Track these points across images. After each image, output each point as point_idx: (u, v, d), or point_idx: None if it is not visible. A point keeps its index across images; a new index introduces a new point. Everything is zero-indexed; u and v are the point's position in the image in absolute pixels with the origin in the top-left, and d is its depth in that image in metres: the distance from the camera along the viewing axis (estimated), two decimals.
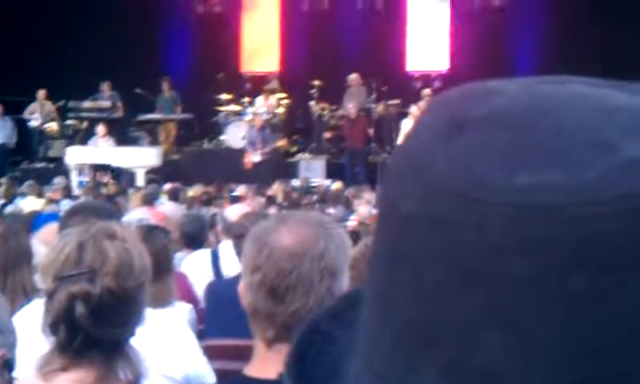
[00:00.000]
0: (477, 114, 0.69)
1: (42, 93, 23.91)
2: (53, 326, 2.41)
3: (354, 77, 22.96)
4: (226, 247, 6.72)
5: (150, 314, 2.91)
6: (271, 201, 14.24)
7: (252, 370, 2.30)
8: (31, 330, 2.48)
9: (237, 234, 5.55)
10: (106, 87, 23.62)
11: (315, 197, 15.71)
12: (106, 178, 20.58)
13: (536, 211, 0.61)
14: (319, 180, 20.59)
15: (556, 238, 0.60)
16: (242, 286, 2.33)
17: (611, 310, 0.59)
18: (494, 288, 0.60)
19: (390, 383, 0.65)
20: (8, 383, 2.09)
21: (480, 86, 0.74)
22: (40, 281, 2.58)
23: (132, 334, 2.50)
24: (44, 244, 4.90)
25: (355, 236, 6.80)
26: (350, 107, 22.08)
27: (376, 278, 0.68)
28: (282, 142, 22.87)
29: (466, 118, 0.69)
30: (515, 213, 0.61)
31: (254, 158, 21.65)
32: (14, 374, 2.38)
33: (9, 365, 2.10)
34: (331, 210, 11.97)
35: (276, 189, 16.75)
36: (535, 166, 0.63)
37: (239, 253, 5.37)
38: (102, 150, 21.43)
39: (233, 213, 7.60)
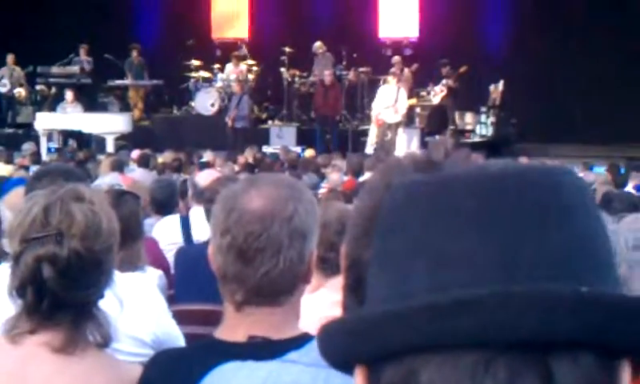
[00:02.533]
0: None
1: (10, 58, 23.74)
2: (20, 289, 2.40)
3: (318, 44, 23.01)
4: (197, 213, 6.70)
5: (120, 277, 2.90)
6: (248, 167, 14.23)
7: (221, 333, 2.29)
8: None
9: (208, 198, 5.53)
10: (83, 52, 23.46)
11: (286, 164, 15.69)
12: (75, 144, 20.48)
13: None
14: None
15: None
16: (211, 249, 2.32)
17: None
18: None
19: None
20: None
21: None
22: (7, 244, 2.55)
23: (100, 297, 2.49)
24: (10, 209, 4.88)
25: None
26: (327, 74, 22.03)
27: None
28: (252, 109, 22.85)
29: None
30: None
31: (228, 122, 21.68)
32: None
33: None
34: (303, 177, 11.95)
35: (247, 155, 16.74)
36: None
37: (210, 217, 5.37)
38: (71, 115, 21.30)
39: (203, 178, 7.55)
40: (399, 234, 0.89)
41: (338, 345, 0.89)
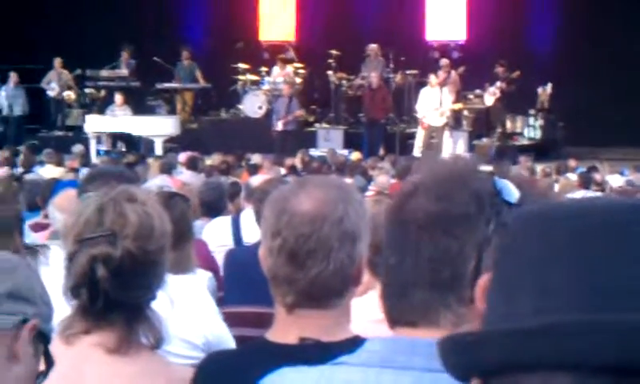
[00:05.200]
0: None
1: (58, 61, 23.93)
2: (74, 289, 2.42)
3: (373, 46, 22.91)
4: (248, 215, 6.73)
5: (171, 280, 2.92)
6: (293, 170, 14.25)
7: (273, 335, 2.30)
8: None
9: (258, 199, 5.55)
10: (125, 55, 23.60)
11: (334, 166, 15.70)
12: (124, 147, 20.64)
13: None
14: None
15: None
16: (262, 251, 2.32)
17: None
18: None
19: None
20: (42, 355, 2.10)
21: None
22: (61, 245, 2.58)
23: (153, 298, 2.50)
24: (59, 210, 4.94)
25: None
26: (373, 76, 22.01)
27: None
28: (299, 112, 22.87)
29: None
30: None
31: (277, 126, 21.68)
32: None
33: (43, 336, 2.10)
34: (350, 180, 11.95)
35: (296, 158, 16.76)
36: None
37: (260, 219, 5.38)
38: (120, 118, 21.45)
39: (256, 181, 7.60)
40: (511, 258, 0.96)
41: (449, 357, 0.95)
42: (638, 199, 0.98)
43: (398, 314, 1.68)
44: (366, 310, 3.46)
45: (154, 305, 2.52)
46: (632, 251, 0.89)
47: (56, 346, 2.25)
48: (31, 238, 5.40)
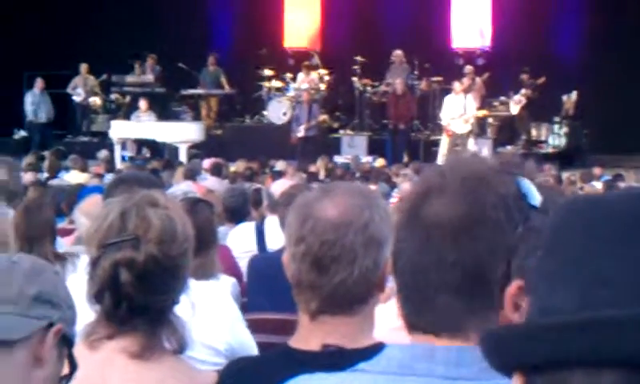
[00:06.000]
0: None
1: (84, 67, 24.03)
2: (98, 294, 2.42)
3: (398, 53, 22.90)
4: (272, 222, 6.73)
5: (195, 285, 2.92)
6: (313, 177, 14.26)
7: (296, 341, 2.29)
8: None
9: (283, 204, 5.55)
10: (150, 61, 23.67)
11: (358, 173, 15.70)
12: (149, 153, 20.71)
13: None
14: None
15: None
16: (285, 258, 2.32)
17: None
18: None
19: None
20: (66, 359, 2.11)
21: None
22: (85, 250, 2.59)
23: (176, 302, 2.51)
24: (85, 216, 4.96)
25: None
26: (398, 83, 22.01)
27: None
28: (324, 118, 22.85)
29: None
30: None
31: (298, 132, 21.69)
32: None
33: (68, 340, 2.11)
34: (374, 187, 11.95)
35: (319, 165, 16.76)
36: None
37: (284, 224, 5.38)
38: (145, 124, 21.52)
39: (278, 188, 7.60)
40: (556, 253, 0.93)
41: (493, 351, 0.93)
42: None
43: (416, 319, 1.65)
44: (388, 317, 3.45)
45: (177, 310, 2.52)
46: None
47: (80, 351, 2.25)
48: (57, 243, 5.44)
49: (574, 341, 0.84)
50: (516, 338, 0.90)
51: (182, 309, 2.55)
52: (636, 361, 0.81)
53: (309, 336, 2.26)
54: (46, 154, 18.76)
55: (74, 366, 2.10)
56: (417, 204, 1.65)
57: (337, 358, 2.04)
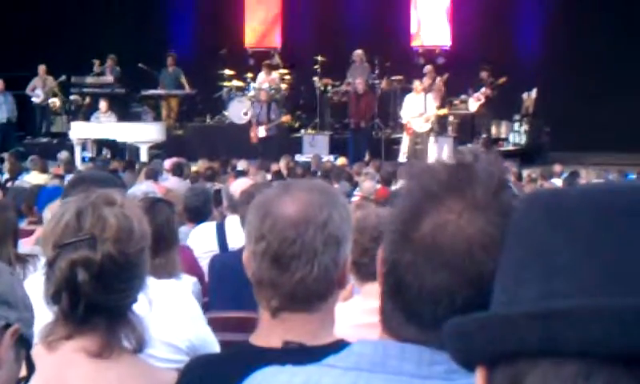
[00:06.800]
0: None
1: (42, 68, 23.88)
2: (55, 295, 2.41)
3: (358, 52, 22.94)
4: (232, 221, 6.72)
5: (156, 284, 2.90)
6: (278, 176, 14.25)
7: (257, 339, 2.29)
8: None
9: (243, 204, 5.54)
10: (110, 62, 23.56)
11: (319, 172, 15.70)
12: (109, 154, 20.62)
13: None
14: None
15: None
16: (245, 256, 2.31)
17: None
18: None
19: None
20: (24, 360, 2.09)
21: None
22: (41, 251, 2.57)
23: (134, 300, 2.50)
24: None
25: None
26: (358, 82, 22.06)
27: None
28: (285, 118, 22.84)
29: None
30: None
31: (259, 132, 21.67)
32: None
33: (25, 342, 2.09)
34: (335, 186, 11.95)
35: (281, 164, 16.77)
36: None
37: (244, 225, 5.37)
38: (105, 125, 21.43)
39: (236, 187, 7.57)
40: (518, 243, 0.93)
41: (453, 343, 0.93)
42: None
43: (404, 330, 1.60)
44: (348, 315, 3.46)
45: (135, 308, 2.51)
46: None
47: (38, 353, 2.24)
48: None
49: (532, 331, 0.84)
50: (478, 329, 0.89)
51: (140, 307, 2.54)
52: (595, 351, 0.81)
53: (270, 333, 2.26)
54: (5, 155, 18.65)
55: (31, 368, 2.08)
56: (415, 216, 1.57)
57: (298, 355, 2.04)
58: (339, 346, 1.94)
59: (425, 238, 1.55)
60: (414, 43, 26.01)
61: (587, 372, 0.82)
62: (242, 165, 16.23)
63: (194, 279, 4.86)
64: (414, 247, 1.56)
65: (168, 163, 15.46)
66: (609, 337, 0.81)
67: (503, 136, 23.70)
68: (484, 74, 22.33)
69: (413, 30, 26.14)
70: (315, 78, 23.36)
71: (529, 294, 0.88)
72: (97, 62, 23.52)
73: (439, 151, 21.01)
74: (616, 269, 0.84)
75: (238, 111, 22.94)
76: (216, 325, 3.94)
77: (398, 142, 21.89)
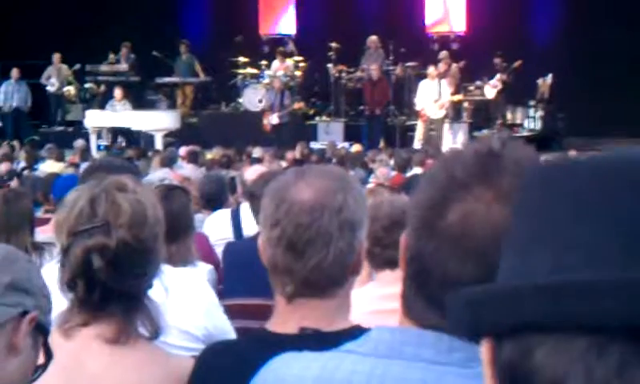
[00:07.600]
0: None
1: (56, 56, 23.91)
2: (70, 282, 2.41)
3: (373, 38, 22.89)
4: (247, 208, 6.71)
5: (171, 272, 2.90)
6: (297, 163, 14.23)
7: (273, 325, 2.29)
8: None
9: (253, 193, 5.53)
10: (124, 50, 23.59)
11: (334, 159, 15.70)
12: (124, 142, 20.66)
13: None
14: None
15: None
16: (261, 242, 2.31)
17: None
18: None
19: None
20: (42, 347, 2.10)
21: None
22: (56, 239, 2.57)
23: (150, 286, 2.50)
24: None
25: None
26: (373, 69, 22.01)
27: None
28: (299, 105, 22.83)
29: None
30: None
31: (272, 120, 21.67)
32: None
33: (43, 329, 2.10)
34: (350, 173, 11.95)
35: (297, 151, 16.76)
36: None
37: (255, 212, 5.37)
38: (120, 113, 21.46)
39: (251, 174, 7.56)
40: (527, 216, 0.91)
41: (460, 314, 0.90)
42: None
43: (425, 316, 1.58)
44: (364, 301, 3.45)
45: (151, 294, 2.51)
46: None
47: (55, 340, 2.24)
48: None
49: (544, 304, 0.82)
50: (488, 299, 0.87)
51: (156, 293, 2.54)
52: (608, 324, 0.80)
53: (286, 319, 2.26)
54: (16, 143, 18.72)
55: (49, 355, 2.09)
56: (442, 203, 1.55)
57: (314, 341, 2.04)
58: (355, 332, 1.94)
59: (451, 226, 1.53)
60: (429, 29, 25.92)
61: (599, 346, 0.80)
62: (257, 152, 16.23)
63: (209, 267, 4.86)
64: (440, 235, 1.54)
65: (183, 151, 15.47)
66: (622, 310, 0.79)
67: (518, 122, 23.63)
68: (497, 60, 22.27)
69: (428, 15, 26.04)
70: (330, 65, 23.32)
71: (540, 268, 0.86)
72: (112, 56, 23.54)
73: (454, 137, 20.98)
74: (628, 240, 0.82)
75: (252, 98, 22.95)
76: (232, 312, 3.94)
77: (412, 128, 21.87)
